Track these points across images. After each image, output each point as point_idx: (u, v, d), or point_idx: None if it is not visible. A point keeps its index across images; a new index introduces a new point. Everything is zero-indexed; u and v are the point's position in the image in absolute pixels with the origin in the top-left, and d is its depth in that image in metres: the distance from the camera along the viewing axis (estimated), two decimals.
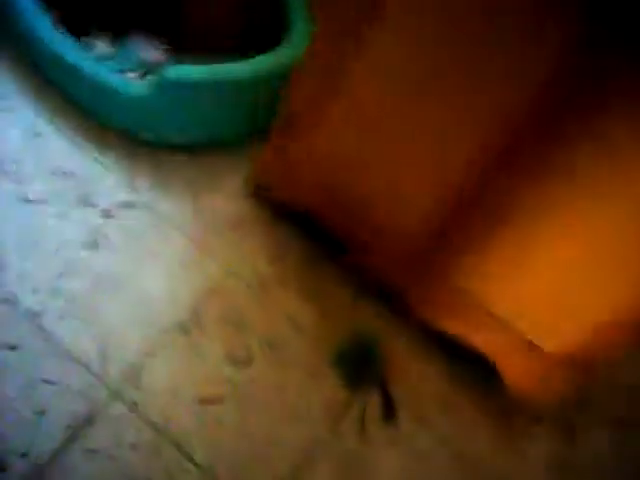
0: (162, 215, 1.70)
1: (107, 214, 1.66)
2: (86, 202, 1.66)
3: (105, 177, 1.71)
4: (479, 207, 1.51)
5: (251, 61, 1.70)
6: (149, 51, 1.86)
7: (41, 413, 1.39)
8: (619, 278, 1.44)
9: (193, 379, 1.52)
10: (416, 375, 1.70)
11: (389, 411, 1.63)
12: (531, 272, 1.53)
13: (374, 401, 1.64)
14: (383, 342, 1.70)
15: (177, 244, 1.68)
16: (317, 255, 1.77)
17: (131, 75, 1.80)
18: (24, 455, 1.34)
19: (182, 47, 1.88)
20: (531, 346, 1.62)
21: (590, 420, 1.75)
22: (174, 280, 1.63)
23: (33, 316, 1.48)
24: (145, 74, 1.81)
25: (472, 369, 1.71)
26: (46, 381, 1.42)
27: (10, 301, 1.48)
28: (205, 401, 1.50)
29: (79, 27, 1.79)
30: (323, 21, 1.49)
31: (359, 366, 1.67)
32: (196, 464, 1.43)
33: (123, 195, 1.70)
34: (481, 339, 1.67)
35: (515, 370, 1.67)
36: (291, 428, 1.54)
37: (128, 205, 1.69)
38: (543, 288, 1.54)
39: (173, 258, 1.66)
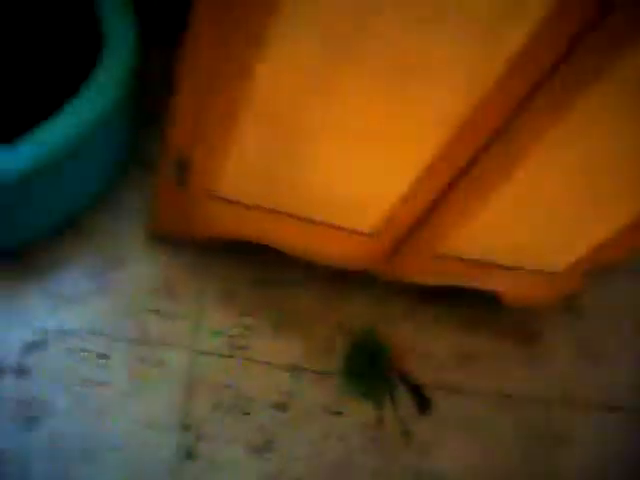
0: (78, 332, 1.35)
1: (19, 371, 1.29)
2: None
3: None
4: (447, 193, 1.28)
5: (78, 106, 1.25)
6: None
7: None
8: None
9: None
10: (425, 346, 1.55)
11: (422, 401, 1.50)
12: (520, 221, 1.35)
13: (403, 401, 1.49)
14: (381, 329, 1.52)
15: (118, 357, 1.35)
16: (266, 280, 1.50)
17: None
18: None
19: None
20: (533, 273, 1.49)
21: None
22: (141, 403, 1.34)
23: None
24: None
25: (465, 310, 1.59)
26: None
27: None
28: None
29: None
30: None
31: (370, 371, 1.49)
32: None
33: (21, 336, 1.32)
34: (478, 284, 1.51)
35: (519, 292, 1.55)
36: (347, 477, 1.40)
37: (35, 347, 1.31)
38: (530, 232, 1.38)
39: (124, 376, 1.34)
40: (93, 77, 1.27)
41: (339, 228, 1.36)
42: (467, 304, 1.62)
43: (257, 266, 1.51)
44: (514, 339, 1.63)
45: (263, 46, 1.02)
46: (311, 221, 1.35)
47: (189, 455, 1.33)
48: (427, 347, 1.56)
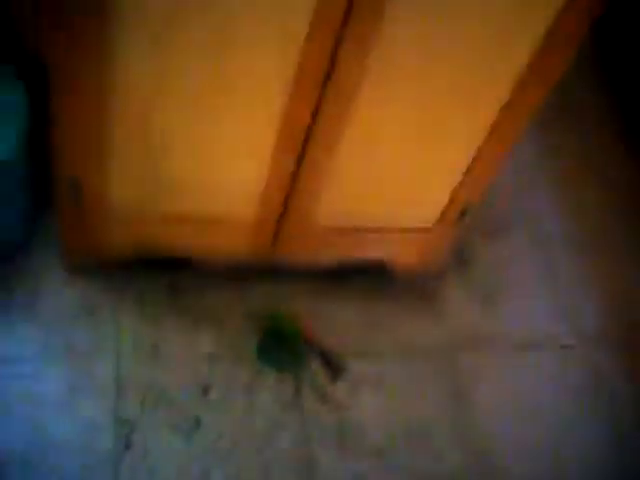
0: (11, 361, 1.54)
1: None
2: None
3: None
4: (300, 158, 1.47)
5: None
6: None
7: None
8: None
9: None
10: (331, 319, 1.74)
11: (335, 368, 1.66)
12: (375, 179, 1.55)
13: (317, 370, 1.66)
14: (288, 311, 1.70)
15: (52, 374, 1.53)
16: (175, 285, 1.71)
17: None
18: None
19: None
20: (409, 232, 1.68)
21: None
22: (79, 408, 1.51)
23: None
24: None
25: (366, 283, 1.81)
26: None
27: None
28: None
29: None
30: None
31: (282, 348, 1.66)
32: None
33: None
34: (364, 252, 1.70)
35: (404, 255, 1.73)
36: (275, 448, 1.55)
37: None
38: (391, 187, 1.58)
39: (60, 390, 1.52)
40: None
41: (223, 220, 1.56)
42: (364, 280, 1.80)
43: (166, 276, 1.71)
44: (414, 300, 1.81)
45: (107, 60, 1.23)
46: (196, 219, 1.56)
47: (126, 446, 1.49)
48: (334, 320, 1.73)
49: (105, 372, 1.56)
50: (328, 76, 1.30)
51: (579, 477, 1.66)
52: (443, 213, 1.62)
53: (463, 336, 1.79)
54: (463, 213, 1.63)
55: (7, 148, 1.49)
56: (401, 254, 1.72)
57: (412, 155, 1.51)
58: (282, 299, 1.73)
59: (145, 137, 1.39)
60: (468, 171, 1.54)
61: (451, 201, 1.60)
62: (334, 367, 1.66)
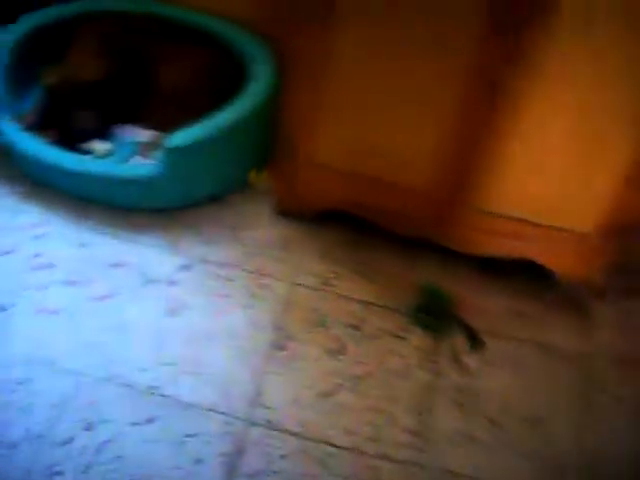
0: (215, 263, 1.90)
1: (170, 282, 1.85)
2: (147, 279, 1.85)
3: (152, 253, 1.91)
4: (476, 141, 1.71)
5: (236, 105, 1.91)
6: (139, 133, 2.06)
7: (198, 462, 1.57)
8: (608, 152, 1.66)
9: (307, 383, 1.71)
10: (483, 303, 1.91)
11: (475, 340, 1.82)
12: (542, 169, 1.73)
13: (458, 338, 1.84)
14: (447, 287, 1.91)
15: (240, 281, 1.88)
16: (358, 241, 2.00)
17: (137, 159, 1.99)
18: None
19: (160, 121, 2.07)
20: (568, 234, 1.82)
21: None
22: (252, 310, 1.82)
23: (152, 389, 1.66)
24: (146, 154, 2.01)
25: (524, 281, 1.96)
26: (189, 435, 1.60)
27: (127, 385, 1.66)
28: (325, 395, 1.70)
29: (74, 138, 2.00)
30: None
31: (434, 313, 1.86)
32: (338, 446, 1.62)
33: (175, 261, 1.89)
34: (524, 248, 1.87)
35: (563, 261, 1.87)
36: (402, 386, 1.74)
37: (184, 268, 1.88)
38: (555, 180, 1.75)
39: (242, 294, 1.85)
40: (245, 89, 1.94)
41: (404, 186, 1.84)
42: (523, 277, 1.96)
43: (348, 232, 2.01)
44: (565, 309, 1.92)
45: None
46: (384, 182, 1.84)
47: (280, 348, 1.76)
48: (484, 304, 1.90)
49: (280, 291, 1.87)
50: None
51: None
52: (603, 219, 1.75)
53: (607, 353, 1.86)
54: (625, 228, 1.74)
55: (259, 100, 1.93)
56: (558, 257, 1.85)
57: (575, 162, 1.68)
58: (442, 274, 1.94)
59: (349, 112, 1.75)
60: (632, 180, 1.67)
61: (611, 209, 1.72)
62: (475, 340, 1.83)
